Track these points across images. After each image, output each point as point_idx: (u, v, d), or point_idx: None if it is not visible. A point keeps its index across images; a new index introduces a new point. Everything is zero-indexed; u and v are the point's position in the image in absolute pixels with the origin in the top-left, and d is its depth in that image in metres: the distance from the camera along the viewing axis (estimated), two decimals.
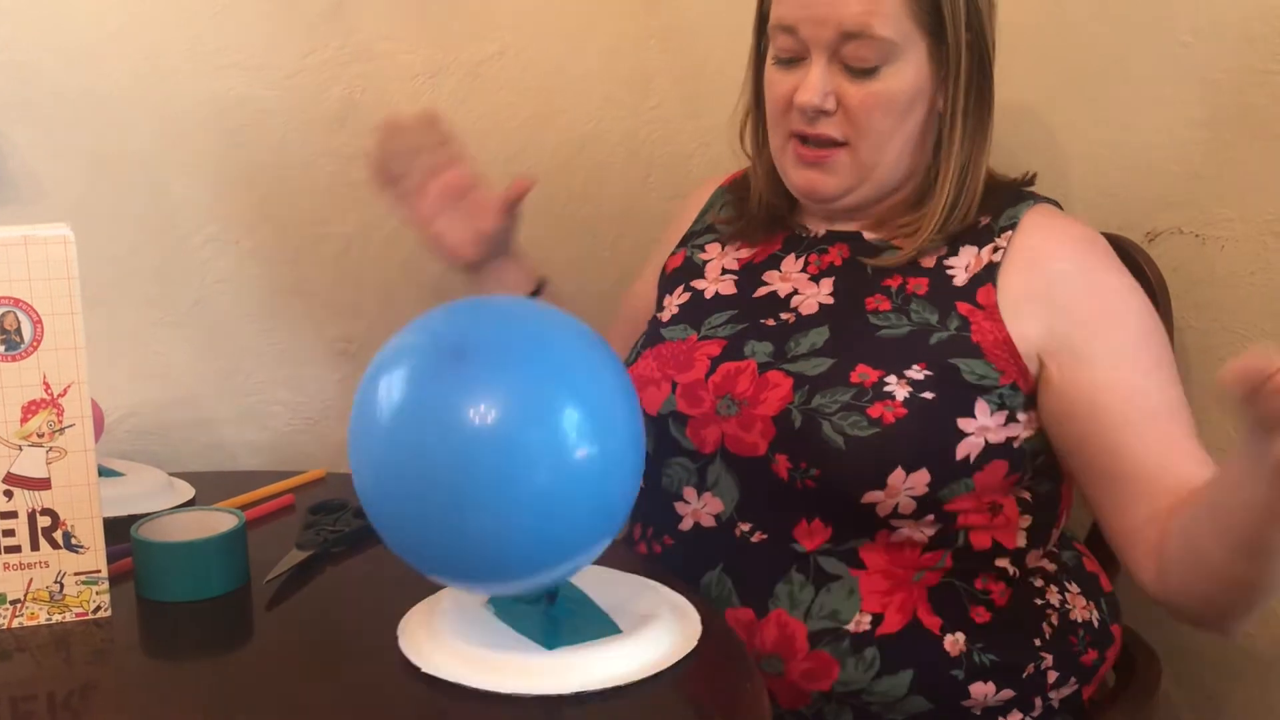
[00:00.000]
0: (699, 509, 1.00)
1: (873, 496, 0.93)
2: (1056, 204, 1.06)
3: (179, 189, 1.31)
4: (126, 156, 1.28)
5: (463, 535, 0.56)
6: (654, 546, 1.04)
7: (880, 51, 0.96)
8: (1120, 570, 1.13)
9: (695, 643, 0.83)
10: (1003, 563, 0.98)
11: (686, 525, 1.01)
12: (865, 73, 0.97)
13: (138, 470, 1.16)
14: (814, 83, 0.97)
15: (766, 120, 1.06)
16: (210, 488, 1.16)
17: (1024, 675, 0.97)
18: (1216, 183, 1.10)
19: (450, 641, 0.79)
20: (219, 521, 0.96)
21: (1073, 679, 1.00)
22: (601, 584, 0.86)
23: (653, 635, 0.81)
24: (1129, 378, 0.95)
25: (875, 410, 0.93)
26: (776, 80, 1.02)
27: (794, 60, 1.00)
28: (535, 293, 1.18)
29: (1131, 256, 1.11)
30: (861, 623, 0.94)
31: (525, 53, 1.43)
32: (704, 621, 0.86)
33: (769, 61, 1.03)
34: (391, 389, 0.50)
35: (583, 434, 0.50)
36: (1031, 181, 1.07)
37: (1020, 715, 0.98)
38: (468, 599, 0.84)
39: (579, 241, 1.51)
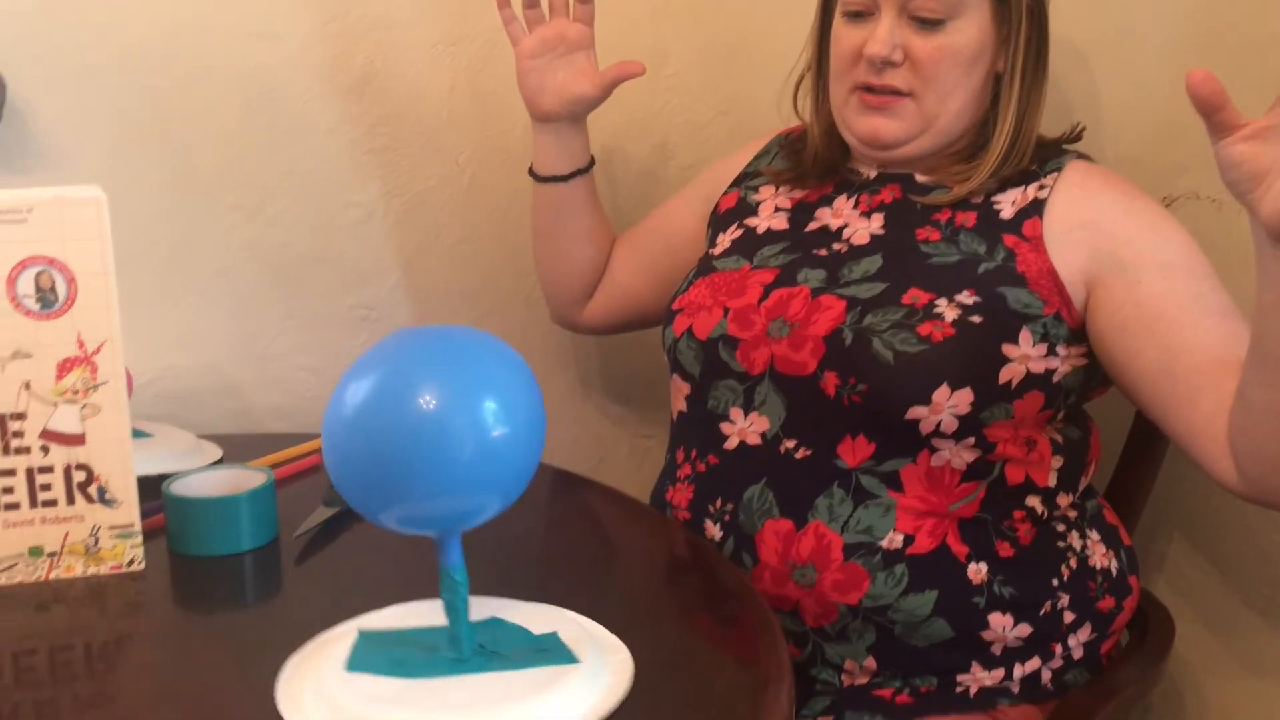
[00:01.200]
0: (745, 428, 1.04)
1: (917, 412, 0.96)
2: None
3: (203, 157, 1.32)
4: (151, 125, 1.29)
5: (407, 497, 0.63)
6: (697, 466, 1.06)
7: (947, 5, 1.00)
8: (1138, 526, 1.15)
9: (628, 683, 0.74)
10: (1033, 501, 1.01)
11: (731, 444, 1.04)
12: (932, 25, 1.00)
13: (166, 431, 1.18)
14: (883, 35, 1.00)
15: (830, 76, 1.09)
16: (238, 449, 1.18)
17: (1041, 613, 1.00)
18: None
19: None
20: (248, 479, 0.98)
21: (1089, 625, 1.02)
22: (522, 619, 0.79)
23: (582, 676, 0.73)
24: (1182, 284, 0.97)
25: (925, 329, 0.96)
26: (844, 35, 1.05)
27: (862, 14, 1.03)
28: (585, 169, 1.25)
29: None
30: (894, 541, 0.98)
31: None
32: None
33: (837, 17, 1.06)
34: (355, 394, 0.59)
35: (498, 419, 0.60)
36: (1079, 137, 1.10)
37: (1039, 662, 1.00)
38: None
39: None
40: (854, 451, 0.99)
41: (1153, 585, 1.16)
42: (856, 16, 1.04)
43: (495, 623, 0.78)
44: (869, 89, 1.04)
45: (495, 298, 1.49)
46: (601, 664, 0.74)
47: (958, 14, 1.00)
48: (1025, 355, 0.97)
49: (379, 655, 0.74)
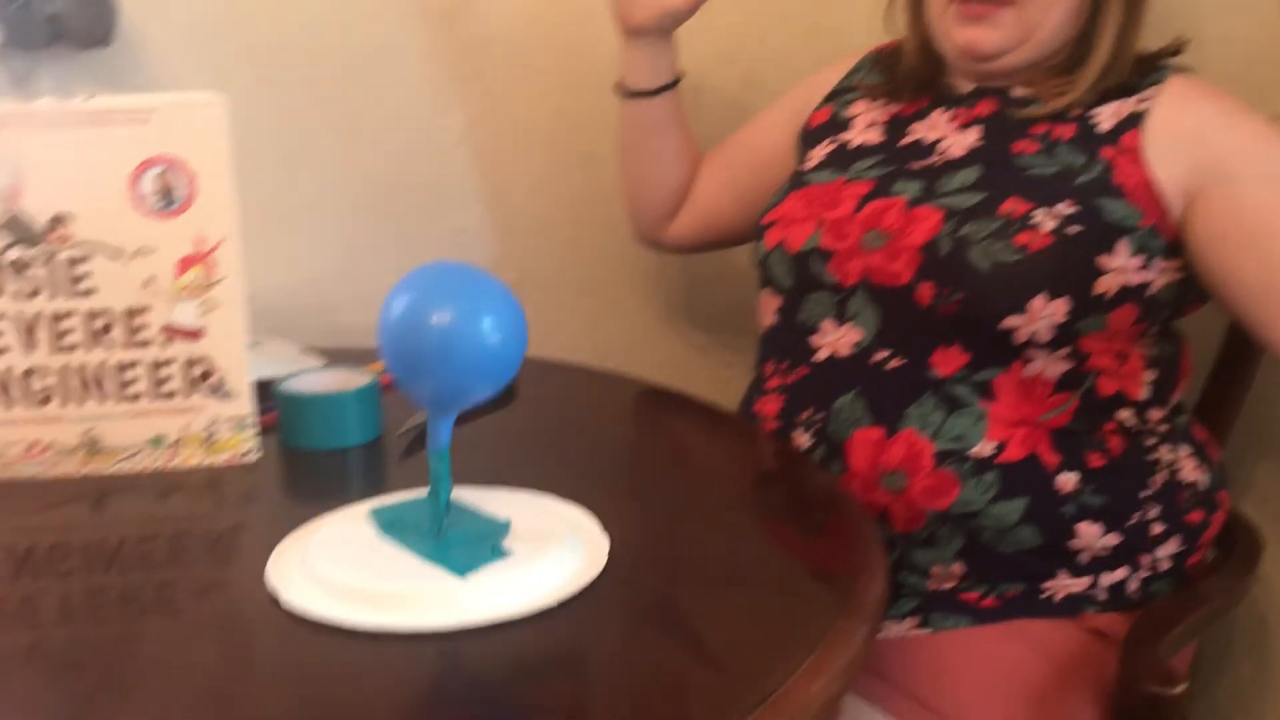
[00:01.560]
0: (837, 339, 1.05)
1: (1013, 321, 0.96)
2: None
3: (302, 81, 1.36)
4: (254, 49, 1.33)
5: (429, 381, 0.74)
6: (787, 378, 1.08)
7: None
8: (1228, 446, 1.15)
9: (604, 562, 0.77)
10: (1125, 414, 1.02)
11: (822, 356, 1.06)
12: None
13: (272, 340, 1.22)
14: None
15: None
16: (338, 361, 1.22)
17: (1130, 523, 1.00)
18: None
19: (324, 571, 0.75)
20: (355, 379, 1.02)
21: (1177, 537, 1.02)
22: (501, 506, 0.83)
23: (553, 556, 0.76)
24: None
25: (1022, 239, 0.96)
26: None
27: None
28: (672, 85, 1.26)
29: None
30: (985, 449, 0.98)
31: None
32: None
33: None
34: (392, 308, 0.73)
35: (495, 329, 0.73)
36: (1180, 50, 1.08)
37: (1126, 571, 1.01)
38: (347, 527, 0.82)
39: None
40: (947, 361, 1.00)
41: (1241, 505, 1.16)
42: None
43: (468, 511, 0.82)
44: None
45: (581, 225, 1.52)
46: (572, 550, 0.77)
47: None
48: (1121, 267, 0.97)
49: (388, 516, 0.82)
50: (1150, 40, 1.10)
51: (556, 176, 1.49)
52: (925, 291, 0.99)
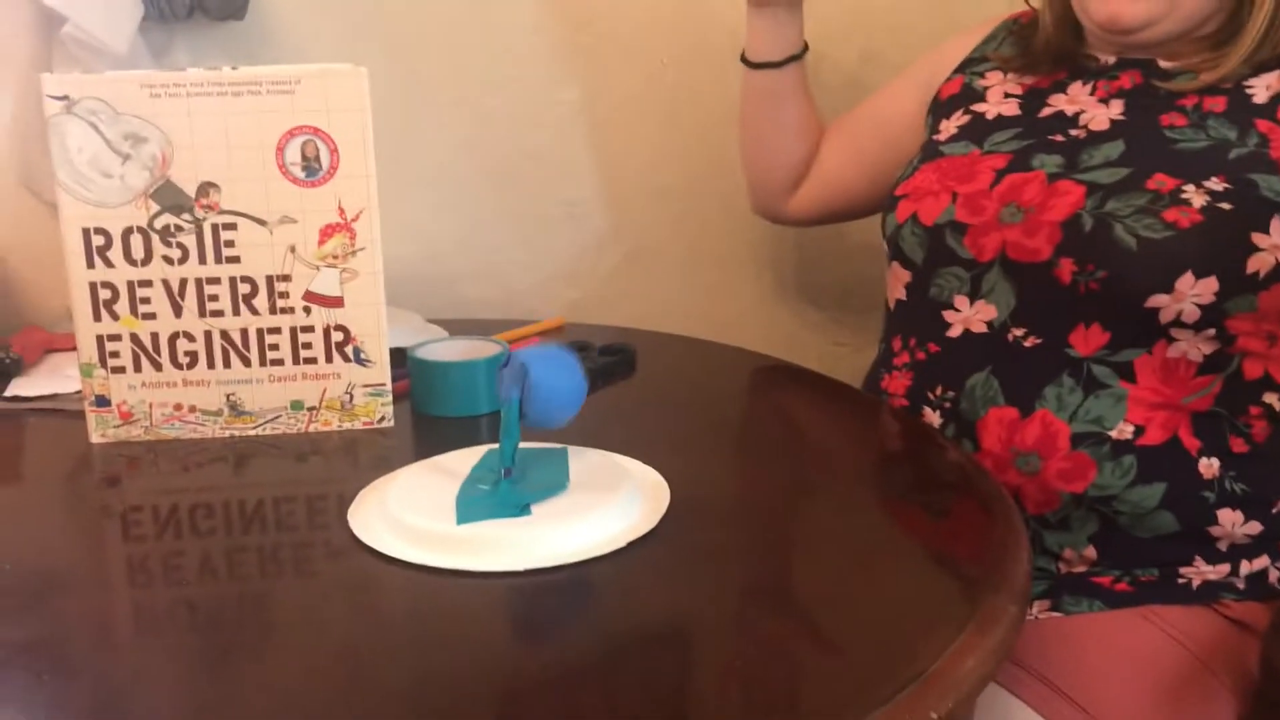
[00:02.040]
0: (970, 316, 1.03)
1: (1158, 300, 0.93)
2: None
3: (425, 53, 1.37)
4: (380, 23, 1.35)
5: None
6: (917, 354, 1.07)
7: None
8: None
9: (663, 512, 0.80)
10: (1270, 398, 0.98)
11: (955, 332, 1.04)
12: None
13: (397, 312, 1.24)
14: None
15: None
16: (459, 331, 1.24)
17: (1273, 511, 0.97)
18: None
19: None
20: (485, 348, 1.03)
21: None
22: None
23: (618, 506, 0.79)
24: None
25: (1171, 215, 0.93)
26: None
27: None
28: (799, 55, 1.25)
29: None
30: (1124, 431, 0.96)
31: None
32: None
33: None
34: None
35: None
36: None
37: (1267, 560, 0.98)
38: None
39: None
40: (1087, 340, 0.98)
41: None
42: None
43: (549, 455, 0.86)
44: None
45: (694, 199, 1.51)
46: (633, 497, 0.81)
47: None
48: (1276, 245, 0.94)
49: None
50: None
51: (670, 149, 1.49)
52: (1066, 268, 0.96)
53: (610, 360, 1.11)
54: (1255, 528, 0.97)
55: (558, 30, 1.41)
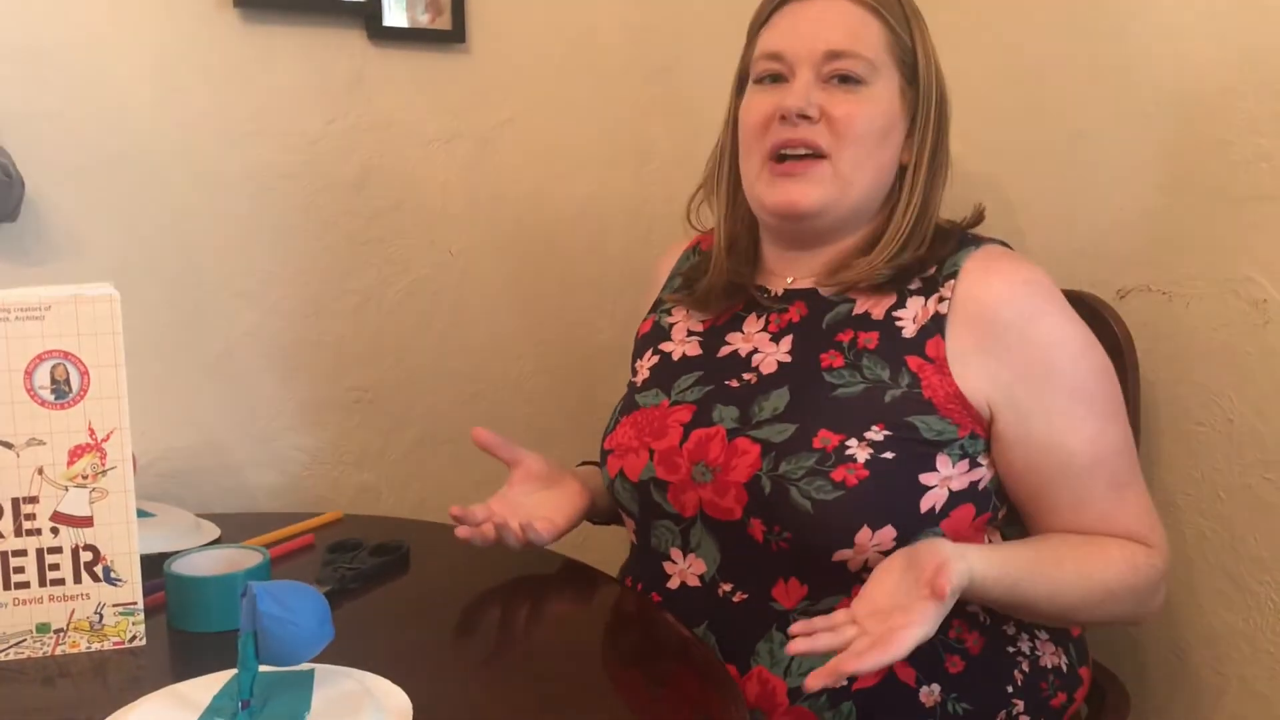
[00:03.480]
0: (684, 569, 1.05)
1: (843, 555, 0.97)
2: (1003, 243, 1.09)
3: (208, 247, 1.39)
4: (160, 218, 1.36)
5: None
6: (651, 597, 1.08)
7: (862, 68, 1.03)
8: None
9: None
10: (974, 607, 1.02)
11: (674, 584, 1.06)
12: (848, 85, 1.03)
13: (167, 511, 1.23)
14: (800, 88, 1.03)
15: (740, 150, 1.09)
16: (234, 528, 1.23)
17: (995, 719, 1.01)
18: (1181, 244, 1.17)
19: None
20: (245, 558, 1.03)
21: None
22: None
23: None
24: (1061, 439, 1.00)
25: (838, 474, 0.96)
26: (758, 102, 1.06)
27: (778, 78, 1.06)
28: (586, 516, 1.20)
29: (1100, 313, 1.18)
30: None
31: (533, 121, 1.52)
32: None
33: (749, 94, 1.08)
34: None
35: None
36: (978, 220, 1.11)
37: None
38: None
39: (584, 295, 1.60)
40: (788, 594, 1.00)
41: (1108, 660, 1.21)
42: (773, 80, 1.05)
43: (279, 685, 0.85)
44: (781, 157, 1.04)
45: (484, 380, 1.56)
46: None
47: (871, 81, 1.03)
48: (945, 478, 0.99)
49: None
50: (1000, 222, 1.17)
51: (460, 335, 1.53)
52: (757, 528, 0.99)
53: (380, 561, 1.12)
54: None
55: (349, 223, 1.45)
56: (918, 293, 1.04)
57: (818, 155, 1.04)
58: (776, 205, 1.06)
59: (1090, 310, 1.16)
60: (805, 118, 1.03)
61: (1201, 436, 1.16)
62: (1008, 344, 1.00)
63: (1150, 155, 1.19)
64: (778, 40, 1.06)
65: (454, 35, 1.45)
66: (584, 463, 1.26)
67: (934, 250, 1.05)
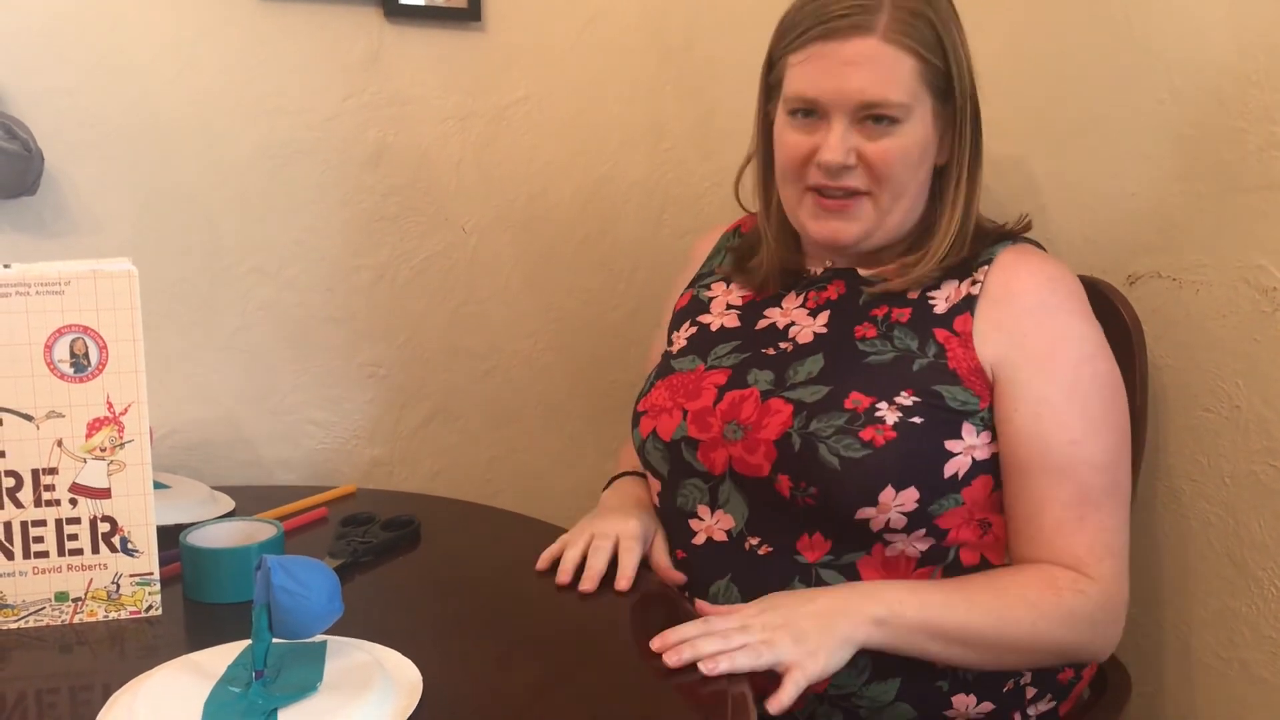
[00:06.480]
0: (712, 525, 1.08)
1: (866, 513, 1.00)
2: (1037, 244, 1.13)
3: (225, 223, 1.40)
4: (177, 192, 1.38)
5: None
6: (676, 555, 1.11)
7: (901, 108, 1.03)
8: None
9: (419, 695, 0.84)
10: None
11: (700, 540, 1.09)
12: (883, 130, 1.04)
13: (182, 483, 1.25)
14: (836, 143, 1.04)
15: (777, 174, 1.12)
16: (249, 500, 1.25)
17: (1004, 690, 1.04)
18: (1192, 231, 1.17)
19: None
20: (259, 530, 1.05)
21: (1049, 696, 1.06)
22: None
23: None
24: (1042, 431, 1.01)
25: (867, 434, 1.00)
26: (792, 140, 1.07)
27: (811, 113, 1.06)
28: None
29: (1109, 299, 1.18)
30: None
31: (548, 100, 1.53)
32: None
33: (782, 120, 1.09)
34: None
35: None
36: (1027, 228, 1.13)
37: None
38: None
39: (596, 274, 1.61)
40: (812, 548, 1.03)
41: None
42: (806, 114, 1.06)
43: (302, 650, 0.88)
44: (823, 193, 1.07)
45: (496, 357, 1.57)
46: (385, 696, 0.83)
47: (907, 118, 1.03)
48: (969, 446, 1.01)
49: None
50: (1015, 206, 1.17)
51: (473, 312, 1.54)
52: (784, 484, 1.02)
53: (392, 536, 1.14)
54: (988, 707, 1.03)
55: (364, 200, 1.46)
56: (953, 276, 1.08)
57: (858, 192, 1.06)
58: (820, 237, 1.10)
59: (1100, 296, 1.17)
60: (845, 168, 1.05)
61: (1208, 423, 1.16)
62: (1024, 329, 1.03)
63: (1163, 142, 1.19)
64: (810, 86, 1.05)
65: (470, 13, 1.46)
66: (614, 478, 1.26)
67: (975, 249, 1.08)
